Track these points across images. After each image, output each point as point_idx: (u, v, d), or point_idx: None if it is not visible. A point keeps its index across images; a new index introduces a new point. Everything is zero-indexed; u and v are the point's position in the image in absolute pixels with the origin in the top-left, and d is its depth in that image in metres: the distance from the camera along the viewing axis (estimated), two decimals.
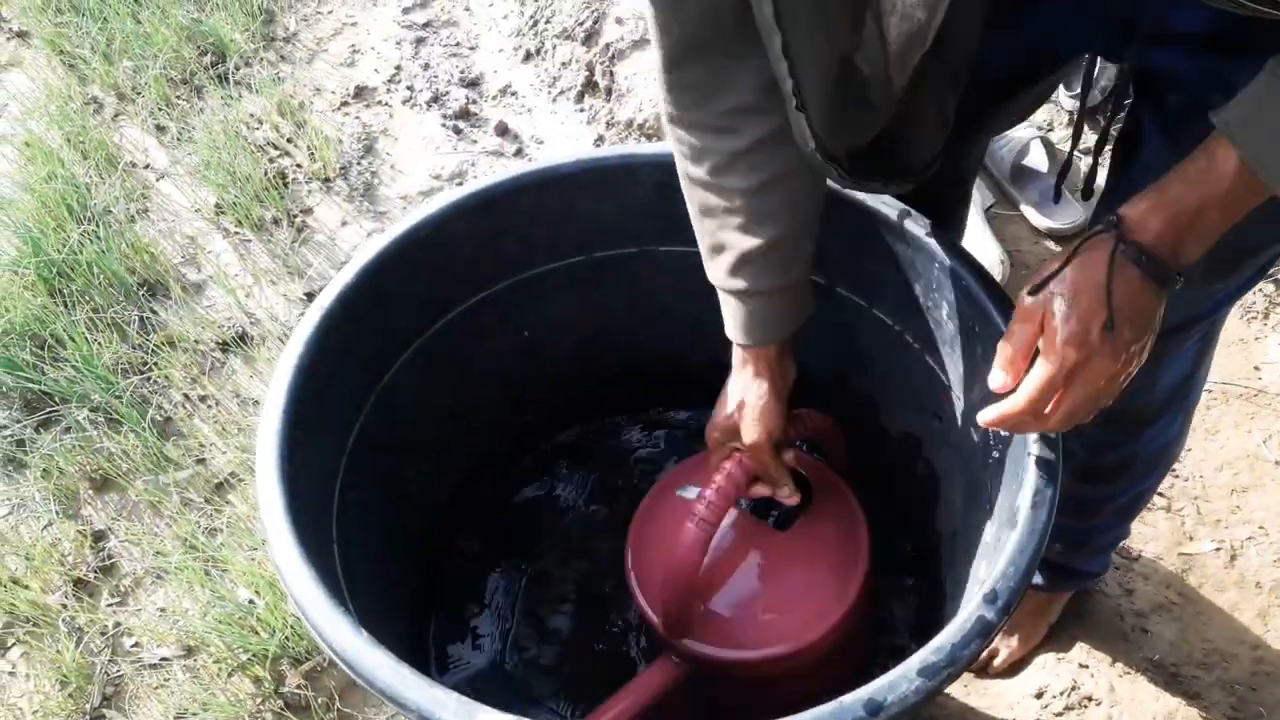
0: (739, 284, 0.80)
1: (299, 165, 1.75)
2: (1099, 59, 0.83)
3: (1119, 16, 0.71)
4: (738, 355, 0.86)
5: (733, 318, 0.83)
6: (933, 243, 0.89)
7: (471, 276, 1.03)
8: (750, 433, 0.85)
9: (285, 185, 1.72)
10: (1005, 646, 1.15)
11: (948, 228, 0.90)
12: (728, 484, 0.87)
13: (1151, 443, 0.94)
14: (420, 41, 1.95)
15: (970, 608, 0.69)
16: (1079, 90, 1.59)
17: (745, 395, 0.85)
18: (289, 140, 1.79)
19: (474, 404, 1.10)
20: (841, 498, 0.99)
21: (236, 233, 1.68)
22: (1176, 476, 1.33)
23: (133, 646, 1.27)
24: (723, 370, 0.90)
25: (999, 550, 0.74)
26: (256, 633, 1.21)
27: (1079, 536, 1.05)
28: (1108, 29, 0.73)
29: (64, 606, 1.29)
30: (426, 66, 1.90)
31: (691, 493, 0.95)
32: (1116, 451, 0.94)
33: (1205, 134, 0.69)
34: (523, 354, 1.11)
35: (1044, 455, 0.75)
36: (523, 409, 1.17)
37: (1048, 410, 0.66)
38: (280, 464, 0.81)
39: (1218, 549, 1.26)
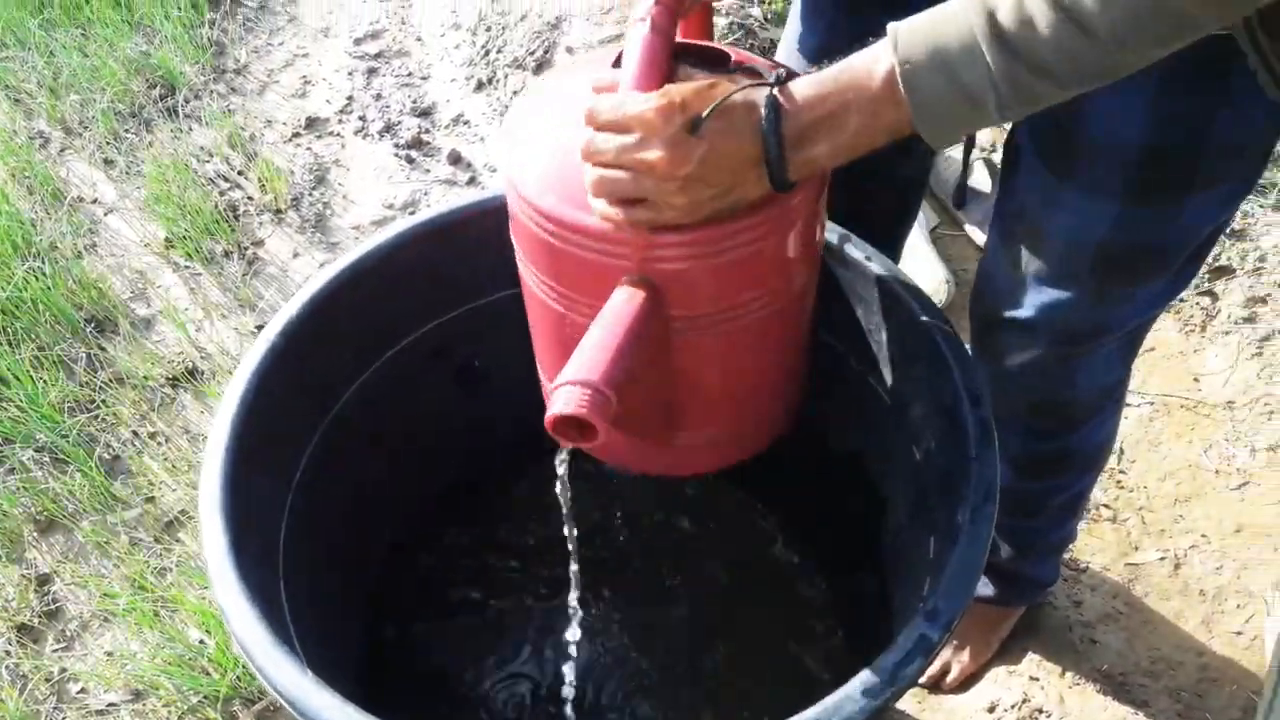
0: None
1: (250, 197, 1.74)
2: None
3: None
4: None
5: None
6: (872, 266, 0.90)
7: (422, 306, 1.03)
8: None
9: (236, 218, 1.71)
10: (957, 662, 1.16)
11: (887, 247, 0.92)
12: None
13: (1086, 440, 0.97)
14: (372, 72, 1.95)
15: (912, 626, 0.70)
16: None
17: None
18: (240, 172, 1.78)
19: (427, 436, 1.09)
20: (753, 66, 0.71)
21: (186, 266, 1.66)
22: (1121, 488, 1.36)
23: (79, 693, 1.24)
24: None
25: (940, 567, 0.75)
26: (208, 673, 1.19)
27: (1026, 537, 1.07)
28: None
29: (7, 654, 1.26)
30: (378, 97, 1.90)
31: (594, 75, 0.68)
32: (1051, 443, 0.97)
33: (1068, 148, 0.71)
34: (476, 384, 1.11)
35: (983, 471, 0.77)
36: (479, 441, 1.17)
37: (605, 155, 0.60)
38: (223, 502, 0.80)
39: (1162, 558, 1.29)
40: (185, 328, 1.56)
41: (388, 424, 1.03)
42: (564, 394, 0.60)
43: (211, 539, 0.78)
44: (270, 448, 0.88)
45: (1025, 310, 0.84)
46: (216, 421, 0.85)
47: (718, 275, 0.67)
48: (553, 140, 0.69)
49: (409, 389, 1.04)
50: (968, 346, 0.85)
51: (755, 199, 0.62)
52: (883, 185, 0.95)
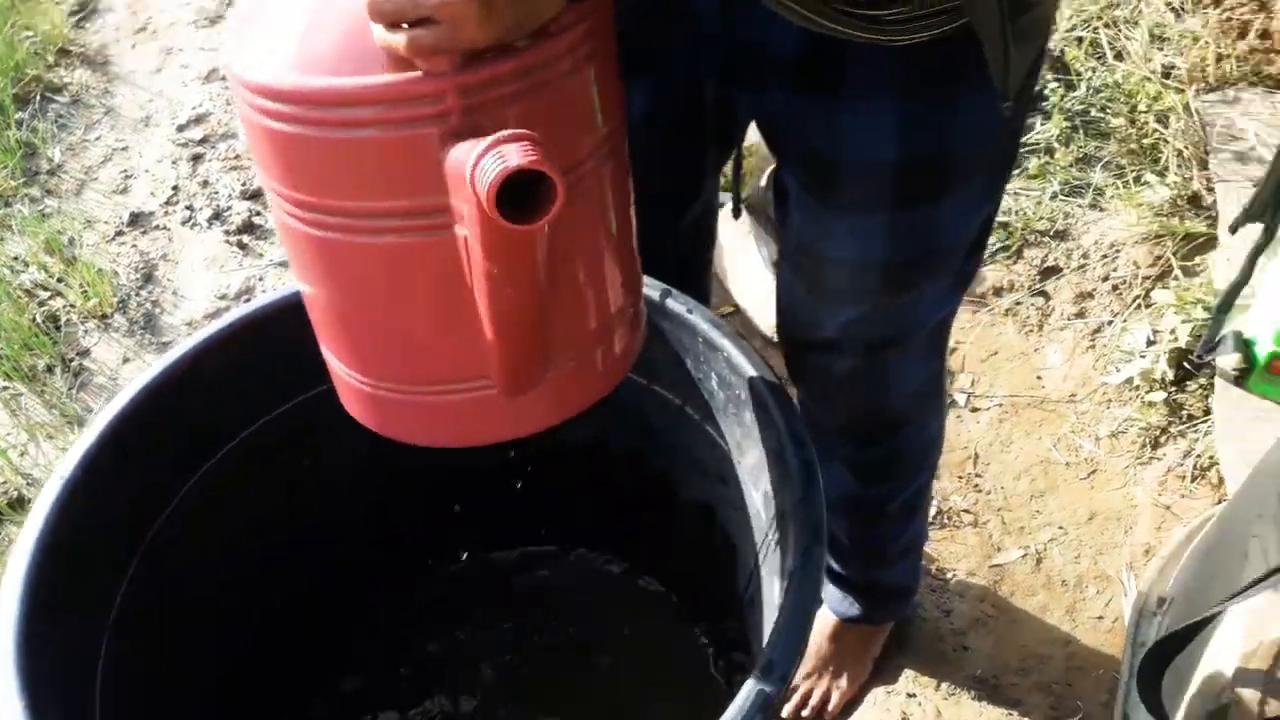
0: None
1: (72, 305, 1.65)
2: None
3: (724, 36, 0.71)
4: None
5: None
6: (693, 318, 0.91)
7: (242, 409, 0.98)
8: None
9: (57, 328, 1.61)
10: (836, 689, 1.17)
11: (692, 292, 0.93)
12: None
13: (912, 441, 1.00)
14: (197, 158, 1.89)
15: (749, 683, 0.69)
16: None
17: None
18: (59, 279, 1.68)
19: (259, 551, 1.03)
20: None
21: (5, 387, 1.55)
22: (979, 491, 1.41)
23: None
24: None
25: (780, 614, 0.75)
26: None
27: (874, 544, 1.09)
28: (724, 56, 0.74)
29: None
30: (205, 184, 1.83)
31: None
32: (879, 449, 0.99)
33: (829, 177, 0.73)
34: (312, 488, 1.06)
35: (810, 514, 0.78)
36: (322, 556, 1.09)
37: None
38: (19, 660, 0.73)
39: (1024, 555, 1.33)
40: (7, 454, 1.45)
41: (213, 543, 0.97)
42: (500, 154, 0.47)
43: (7, 705, 0.71)
44: (75, 589, 0.82)
45: (826, 331, 0.87)
46: (8, 571, 0.78)
47: (551, 113, 0.56)
48: (299, 11, 0.53)
49: (235, 501, 0.99)
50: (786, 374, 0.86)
51: (547, 16, 0.53)
52: (664, 234, 0.95)
